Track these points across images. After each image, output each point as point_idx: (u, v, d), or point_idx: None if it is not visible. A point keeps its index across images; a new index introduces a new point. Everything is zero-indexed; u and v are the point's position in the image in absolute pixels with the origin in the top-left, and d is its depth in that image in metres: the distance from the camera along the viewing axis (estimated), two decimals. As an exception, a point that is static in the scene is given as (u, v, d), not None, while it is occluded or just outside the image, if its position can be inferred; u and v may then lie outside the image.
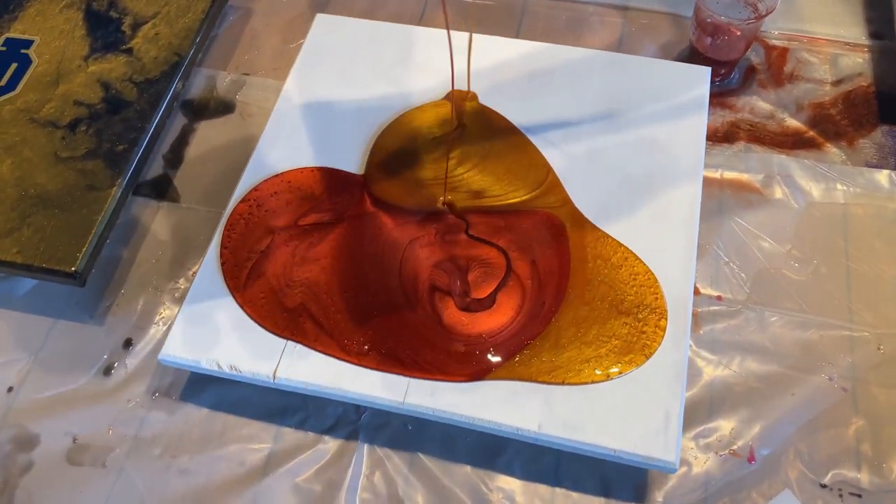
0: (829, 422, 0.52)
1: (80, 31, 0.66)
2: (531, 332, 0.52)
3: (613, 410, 0.47)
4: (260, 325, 0.52)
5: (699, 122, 0.60)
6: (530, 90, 0.63)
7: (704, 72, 0.63)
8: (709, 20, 0.64)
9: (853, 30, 0.72)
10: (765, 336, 0.55)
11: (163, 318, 0.58)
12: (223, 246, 0.55)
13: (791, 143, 0.65)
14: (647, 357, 0.49)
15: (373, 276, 0.55)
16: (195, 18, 0.66)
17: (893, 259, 0.59)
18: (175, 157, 0.66)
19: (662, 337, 0.50)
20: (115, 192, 0.57)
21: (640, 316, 0.51)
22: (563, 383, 0.49)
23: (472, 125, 0.62)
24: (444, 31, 0.63)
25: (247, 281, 0.54)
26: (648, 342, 0.50)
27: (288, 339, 0.52)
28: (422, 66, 0.64)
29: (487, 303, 0.54)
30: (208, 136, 0.67)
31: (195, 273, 0.57)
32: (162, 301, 0.58)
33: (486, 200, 0.58)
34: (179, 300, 0.58)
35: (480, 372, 0.50)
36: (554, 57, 0.64)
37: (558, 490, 0.50)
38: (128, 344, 0.57)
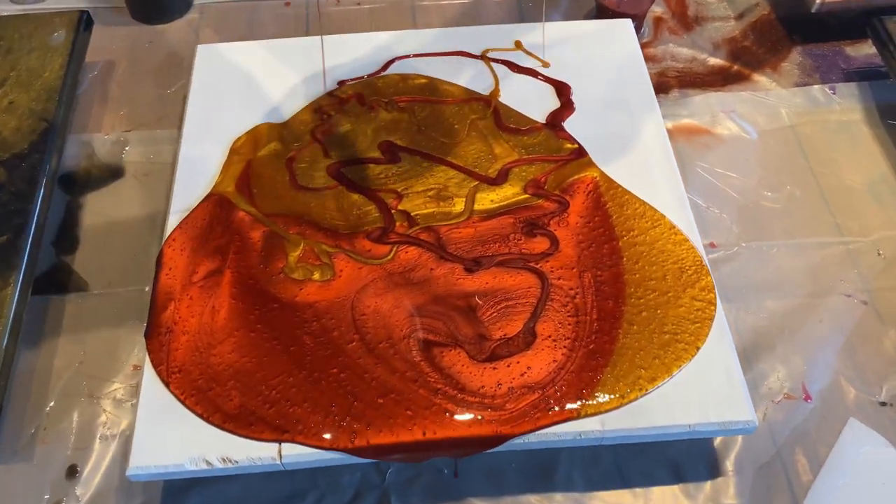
0: (863, 338, 0.50)
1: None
2: (596, 361, 0.42)
3: (674, 387, 0.42)
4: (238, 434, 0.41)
5: (641, 74, 0.57)
6: (466, 75, 0.57)
7: (627, 24, 0.61)
8: (615, -26, 0.62)
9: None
10: (769, 271, 0.53)
11: (109, 429, 0.47)
12: (157, 328, 0.45)
13: (721, 80, 0.64)
14: (710, 323, 0.44)
15: (318, 351, 0.43)
16: (54, 77, 0.56)
17: (854, 166, 0.58)
18: (67, 241, 0.54)
19: (713, 300, 0.45)
20: (10, 293, 0.46)
21: (696, 285, 0.45)
22: (635, 399, 0.42)
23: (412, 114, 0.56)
24: (333, 38, 0.59)
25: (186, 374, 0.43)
26: (706, 308, 0.45)
27: (266, 440, 0.41)
28: (315, 75, 0.58)
29: (524, 340, 0.43)
30: (101, 208, 0.56)
31: (138, 366, 0.47)
32: (102, 409, 0.47)
33: (446, 204, 0.50)
34: (126, 402, 0.47)
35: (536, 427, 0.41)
36: (476, 40, 0.60)
37: (629, 490, 0.44)
38: (72, 472, 0.45)
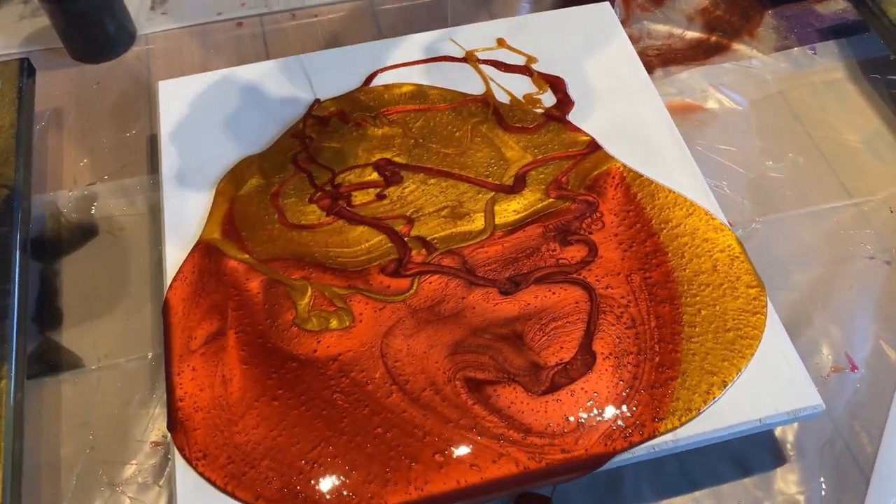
0: (895, 298, 0.50)
1: None
2: (665, 374, 0.39)
3: (739, 382, 0.41)
4: None
5: (631, 57, 0.56)
6: (452, 81, 0.55)
7: (606, 7, 0.59)
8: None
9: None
10: (789, 244, 0.52)
11: (137, 517, 0.43)
12: (178, 401, 0.41)
13: (702, 53, 0.63)
14: (766, 311, 0.42)
15: (354, 410, 0.39)
16: (5, 137, 0.51)
17: (848, 125, 0.58)
18: (49, 315, 0.50)
19: (762, 284, 0.43)
20: (5, 387, 0.41)
21: (747, 272, 0.44)
22: (708, 406, 0.39)
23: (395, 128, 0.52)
24: (302, 57, 0.56)
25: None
26: (758, 295, 0.43)
27: None
28: (290, 98, 0.54)
29: (583, 362, 0.39)
30: (79, 272, 0.51)
31: (157, 443, 0.43)
32: (127, 497, 0.43)
33: (464, 222, 0.47)
34: (152, 484, 0.43)
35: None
36: (462, 40, 0.57)
37: (701, 492, 0.43)
38: (107, 572, 0.41)
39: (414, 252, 0.45)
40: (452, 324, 0.42)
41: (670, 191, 0.46)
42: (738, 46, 0.63)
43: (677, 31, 0.65)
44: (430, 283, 0.44)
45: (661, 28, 0.65)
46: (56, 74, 0.62)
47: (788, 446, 0.45)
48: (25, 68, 0.55)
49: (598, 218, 0.45)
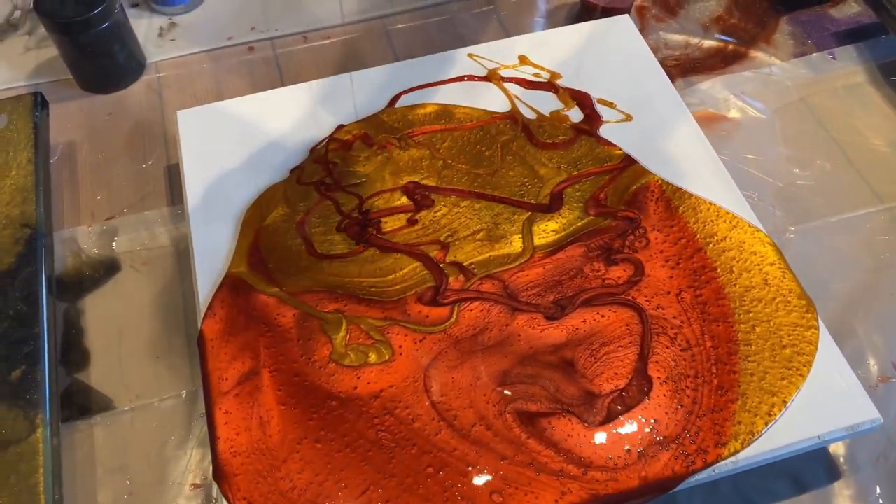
0: (936, 304, 0.49)
1: None
2: (725, 397, 0.37)
3: (797, 400, 0.40)
4: None
5: (654, 68, 0.55)
6: (472, 99, 0.54)
7: (626, 20, 0.58)
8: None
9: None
10: (825, 253, 0.52)
11: (183, 564, 0.41)
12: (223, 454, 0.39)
13: (721, 62, 0.63)
14: (817, 326, 0.41)
15: (402, 450, 0.38)
16: (24, 174, 0.49)
17: (872, 129, 0.58)
18: (76, 356, 0.48)
19: (808, 300, 0.42)
20: (41, 435, 0.40)
21: (797, 284, 0.43)
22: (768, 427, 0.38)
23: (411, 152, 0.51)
24: (322, 82, 0.55)
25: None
26: (809, 307, 0.42)
27: None
28: (311, 123, 0.53)
29: (640, 388, 0.37)
30: (104, 310, 0.50)
31: (197, 484, 0.42)
32: (169, 543, 0.42)
33: (501, 245, 0.45)
34: (193, 530, 0.42)
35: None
36: (482, 55, 0.56)
37: (758, 512, 0.42)
38: None
39: (451, 278, 0.44)
40: (497, 353, 0.41)
41: (711, 203, 0.46)
42: (756, 54, 0.63)
43: (694, 40, 0.64)
44: (471, 310, 0.43)
45: (677, 38, 0.64)
46: (66, 107, 0.61)
47: (841, 460, 0.44)
48: (39, 102, 0.54)
49: (641, 234, 0.44)
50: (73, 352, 0.48)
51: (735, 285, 0.42)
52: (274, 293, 0.45)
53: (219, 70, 0.63)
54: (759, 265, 0.43)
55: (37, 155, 0.51)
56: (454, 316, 0.43)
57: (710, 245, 0.44)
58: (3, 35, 0.65)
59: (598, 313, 0.41)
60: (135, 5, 0.67)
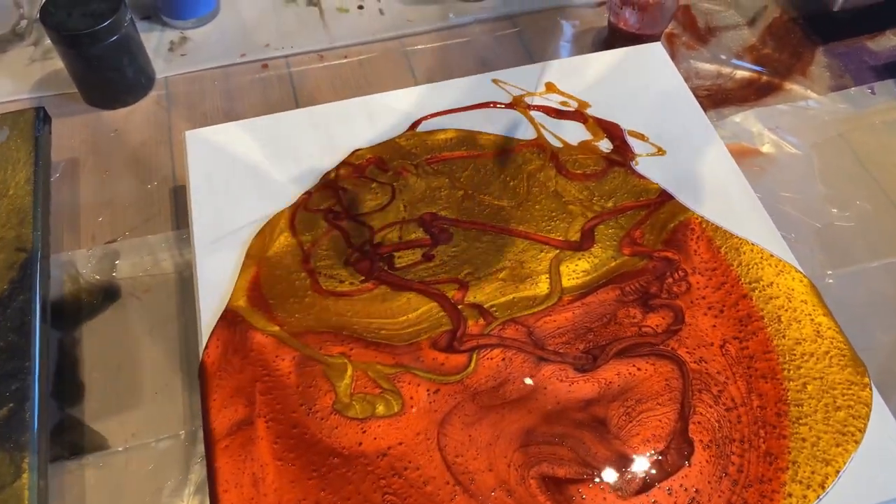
0: None
1: None
2: (774, 465, 0.34)
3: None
4: None
5: (688, 99, 0.53)
6: (495, 127, 0.51)
7: (657, 48, 0.56)
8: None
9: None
10: (867, 298, 0.49)
11: None
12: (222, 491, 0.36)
13: (754, 93, 0.60)
14: (870, 384, 0.38)
15: None
16: (22, 194, 0.47)
17: (914, 167, 0.55)
18: (70, 389, 0.45)
19: (854, 352, 0.39)
20: (27, 481, 0.37)
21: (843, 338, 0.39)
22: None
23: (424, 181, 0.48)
24: (338, 104, 0.52)
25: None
26: (858, 362, 0.39)
27: None
28: (327, 147, 0.50)
29: (679, 453, 0.34)
30: (101, 341, 0.47)
31: (196, 537, 0.39)
32: None
33: (526, 286, 0.42)
34: (188, 586, 0.39)
35: None
36: (507, 80, 0.53)
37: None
38: None
39: (470, 322, 0.41)
40: (521, 408, 0.37)
41: (754, 244, 0.43)
42: (791, 86, 0.60)
43: (726, 69, 0.62)
44: (491, 358, 0.39)
45: (708, 67, 0.62)
46: (70, 122, 0.58)
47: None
48: (41, 117, 0.51)
49: (681, 278, 0.41)
50: (66, 384, 0.45)
51: (784, 337, 0.39)
52: (273, 333, 0.41)
53: (231, 87, 0.61)
54: (810, 315, 0.40)
55: (36, 173, 0.48)
56: (472, 364, 0.39)
57: (756, 291, 0.40)
58: (7, 45, 0.63)
59: (633, 366, 0.38)
60: (146, 18, 0.65)
